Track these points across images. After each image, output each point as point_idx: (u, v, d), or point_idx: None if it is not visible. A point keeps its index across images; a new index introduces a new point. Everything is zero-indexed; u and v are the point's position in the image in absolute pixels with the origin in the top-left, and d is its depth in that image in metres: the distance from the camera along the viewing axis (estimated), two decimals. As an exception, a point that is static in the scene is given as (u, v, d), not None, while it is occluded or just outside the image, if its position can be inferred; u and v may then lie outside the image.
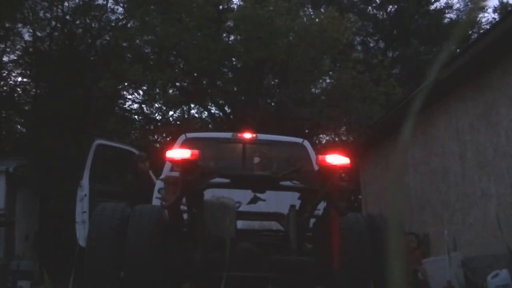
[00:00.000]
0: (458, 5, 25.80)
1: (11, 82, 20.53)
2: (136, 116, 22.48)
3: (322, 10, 20.27)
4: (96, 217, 4.36)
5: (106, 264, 4.12)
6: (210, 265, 4.48)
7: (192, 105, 22.04)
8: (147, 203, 5.78)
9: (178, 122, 20.75)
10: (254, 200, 4.97)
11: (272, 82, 20.08)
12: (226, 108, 21.30)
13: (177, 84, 20.36)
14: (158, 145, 20.13)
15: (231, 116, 20.56)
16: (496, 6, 24.73)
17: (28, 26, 19.26)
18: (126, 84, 20.09)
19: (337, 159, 4.28)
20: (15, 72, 20.69)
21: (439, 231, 8.63)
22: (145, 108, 22.02)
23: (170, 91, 19.97)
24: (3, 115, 20.38)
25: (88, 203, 7.47)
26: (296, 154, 6.74)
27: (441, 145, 9.24)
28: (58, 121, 17.51)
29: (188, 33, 17.22)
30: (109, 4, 20.14)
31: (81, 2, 19.36)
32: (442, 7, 25.39)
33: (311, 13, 21.30)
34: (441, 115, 9.15)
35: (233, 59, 19.98)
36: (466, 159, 8.36)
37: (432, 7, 25.37)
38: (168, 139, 19.82)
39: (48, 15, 19.57)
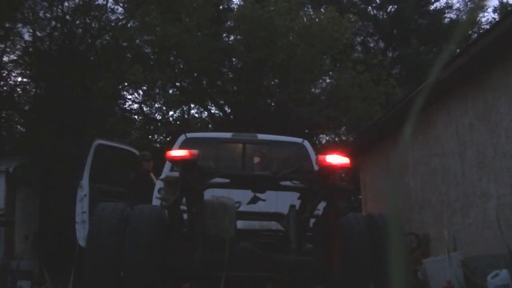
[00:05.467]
0: (458, 5, 25.84)
1: (11, 82, 20.53)
2: (136, 116, 22.50)
3: (322, 10, 20.27)
4: (96, 217, 4.36)
5: (106, 264, 4.12)
6: (210, 265, 4.48)
7: (192, 105, 22.06)
8: (149, 202, 5.80)
9: (178, 122, 20.75)
10: (254, 200, 4.98)
11: (272, 82, 20.08)
12: (226, 108, 21.30)
13: (177, 84, 20.37)
14: (158, 145, 20.13)
15: (231, 116, 20.56)
16: (496, 6, 24.75)
17: (28, 26, 19.25)
18: (126, 84, 20.09)
19: (337, 159, 4.28)
20: (15, 72, 20.69)
21: (439, 231, 8.63)
22: (145, 108, 22.05)
23: (170, 91, 19.98)
24: (3, 115, 20.36)
25: (88, 203, 7.47)
26: (296, 154, 6.75)
27: (441, 145, 9.24)
28: (58, 121, 17.51)
29: (188, 33, 17.22)
30: (109, 4, 20.15)
31: (81, 2, 19.35)
32: (442, 7, 25.44)
33: (311, 13, 21.30)
34: (441, 115, 9.15)
35: (233, 59, 19.98)
36: (466, 159, 8.36)
37: (432, 7, 25.41)
38: (168, 139, 19.83)
39: (48, 15, 19.57)
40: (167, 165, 6.23)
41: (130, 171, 8.73)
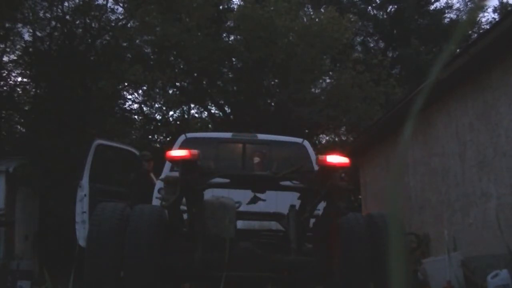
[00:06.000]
0: (458, 5, 25.84)
1: (11, 82, 20.51)
2: (136, 116, 22.49)
3: (322, 10, 20.27)
4: (96, 217, 4.36)
5: (106, 264, 4.12)
6: (210, 265, 4.48)
7: (192, 105, 22.06)
8: (149, 202, 5.80)
9: (178, 122, 20.75)
10: (254, 200, 4.98)
11: (272, 82, 20.08)
12: (226, 108, 21.31)
13: (177, 84, 20.37)
14: (158, 145, 20.13)
15: (231, 116, 20.56)
16: (496, 6, 24.76)
17: (28, 26, 19.24)
18: (126, 84, 20.08)
19: (337, 159, 4.28)
20: (15, 72, 20.68)
21: (439, 231, 8.63)
22: (145, 108, 22.04)
23: (170, 91, 19.98)
24: (3, 115, 20.36)
25: (88, 203, 7.47)
26: (296, 154, 6.74)
27: (441, 145, 9.23)
28: (58, 121, 17.50)
29: (188, 33, 17.22)
30: (109, 4, 20.14)
31: (81, 2, 19.34)
32: (442, 7, 25.44)
33: (311, 13, 21.31)
34: (441, 115, 9.15)
35: (233, 59, 19.98)
36: (466, 159, 8.36)
37: (432, 7, 25.41)
38: (168, 139, 19.82)
39: (48, 15, 19.55)
40: (167, 165, 6.23)
41: (130, 171, 8.73)
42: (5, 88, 19.88)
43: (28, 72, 20.63)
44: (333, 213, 4.48)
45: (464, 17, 21.26)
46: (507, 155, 7.26)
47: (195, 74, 19.80)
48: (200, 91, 20.15)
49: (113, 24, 20.14)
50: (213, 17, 18.47)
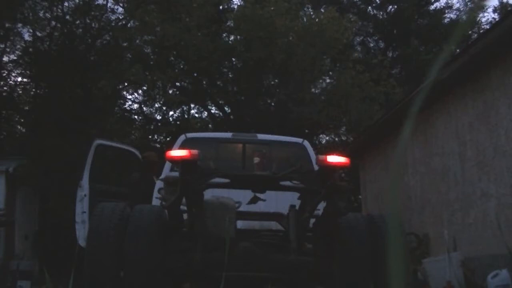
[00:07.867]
0: (458, 5, 25.84)
1: (11, 82, 20.51)
2: (136, 116, 22.49)
3: (322, 10, 20.28)
4: (96, 217, 4.36)
5: (106, 264, 4.12)
6: (210, 265, 4.48)
7: (192, 105, 22.06)
8: (150, 202, 5.80)
9: (178, 122, 20.75)
10: (254, 200, 4.97)
11: (272, 82, 20.08)
12: (226, 108, 21.31)
13: (177, 84, 20.37)
14: (158, 145, 20.13)
15: (231, 116, 20.56)
16: (496, 6, 24.77)
17: (28, 26, 19.22)
18: (126, 84, 20.08)
19: (337, 159, 4.28)
20: (15, 72, 20.67)
21: (439, 231, 8.63)
22: (145, 108, 22.04)
23: (170, 91, 19.99)
24: (3, 115, 20.35)
25: (88, 203, 7.47)
26: (296, 154, 6.74)
27: (441, 145, 9.24)
28: (58, 121, 17.49)
29: (188, 33, 17.22)
30: (109, 4, 20.12)
31: (81, 2, 19.32)
32: (442, 7, 25.45)
33: (311, 13, 21.31)
34: (441, 115, 9.15)
35: (233, 59, 19.98)
36: (466, 159, 8.36)
37: (432, 7, 25.42)
38: (168, 139, 19.83)
39: (48, 15, 19.53)
40: (167, 165, 6.23)
41: (131, 171, 8.72)
42: (5, 88, 19.88)
43: (28, 72, 20.61)
44: (333, 213, 4.47)
45: (464, 17, 21.27)
46: (507, 155, 7.26)
47: (195, 74, 19.81)
48: (200, 91, 20.15)
49: (113, 24, 20.12)
50: (213, 17, 18.47)
